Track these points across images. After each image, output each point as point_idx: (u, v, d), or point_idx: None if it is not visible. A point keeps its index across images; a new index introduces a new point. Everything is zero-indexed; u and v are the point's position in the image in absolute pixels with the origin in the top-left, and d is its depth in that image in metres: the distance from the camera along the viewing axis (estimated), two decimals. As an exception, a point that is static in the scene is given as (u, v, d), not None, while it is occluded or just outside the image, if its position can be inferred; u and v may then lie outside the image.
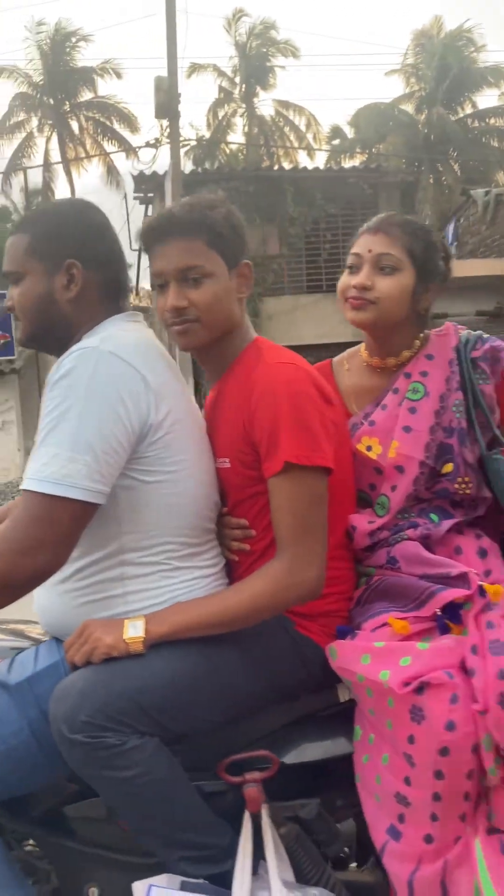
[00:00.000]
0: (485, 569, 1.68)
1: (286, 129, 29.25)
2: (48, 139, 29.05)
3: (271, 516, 1.62)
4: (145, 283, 25.20)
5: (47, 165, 28.61)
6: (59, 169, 28.72)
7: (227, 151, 27.10)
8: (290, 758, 1.71)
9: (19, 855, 1.79)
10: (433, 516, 1.76)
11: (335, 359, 2.00)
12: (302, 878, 1.65)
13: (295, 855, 1.66)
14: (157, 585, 1.63)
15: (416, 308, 1.83)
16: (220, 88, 28.97)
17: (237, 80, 28.85)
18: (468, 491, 1.75)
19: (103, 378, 1.53)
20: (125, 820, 1.58)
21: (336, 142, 28.84)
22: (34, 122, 28.82)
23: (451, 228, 19.20)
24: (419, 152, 24.80)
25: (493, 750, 1.46)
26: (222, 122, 29.16)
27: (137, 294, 29.08)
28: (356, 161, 25.23)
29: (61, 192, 29.59)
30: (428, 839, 1.49)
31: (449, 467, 1.75)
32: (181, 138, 16.59)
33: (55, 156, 28.83)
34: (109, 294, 1.73)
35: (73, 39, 28.32)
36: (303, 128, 29.06)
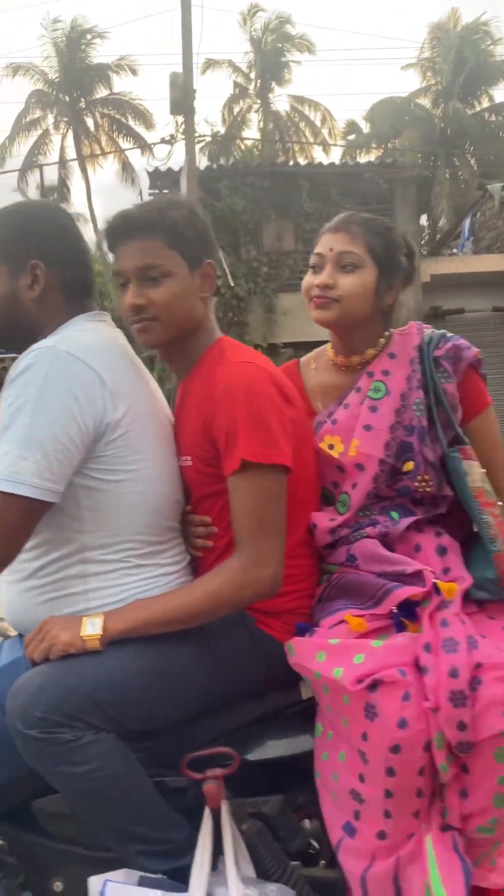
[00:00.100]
0: (443, 566, 1.68)
1: (301, 125, 29.17)
2: (64, 136, 29.17)
3: (231, 514, 1.63)
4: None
5: (63, 162, 28.73)
6: (75, 166, 28.85)
7: (243, 147, 27.12)
8: (254, 755, 1.72)
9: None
10: (394, 514, 1.76)
11: (303, 358, 2.01)
12: (264, 873, 1.66)
13: (257, 851, 1.67)
14: (118, 583, 1.65)
15: (379, 305, 1.83)
16: (236, 84, 28.92)
17: (252, 75, 28.79)
18: (428, 489, 1.75)
19: (57, 377, 1.54)
20: (81, 815, 1.59)
21: (352, 137, 28.74)
22: (50, 119, 28.93)
23: (467, 223, 19.11)
24: (435, 147, 24.63)
25: (445, 747, 1.46)
26: (237, 117, 29.11)
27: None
28: (372, 156, 25.18)
29: (77, 189, 29.71)
30: (381, 836, 1.50)
31: (409, 465, 1.75)
32: (196, 134, 16.60)
33: (70, 153, 28.92)
34: (74, 294, 1.75)
35: (89, 36, 28.39)
36: (318, 123, 28.97)
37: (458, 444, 1.75)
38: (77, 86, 28.25)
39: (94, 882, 1.53)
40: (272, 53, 27.97)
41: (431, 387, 1.77)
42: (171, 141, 16.99)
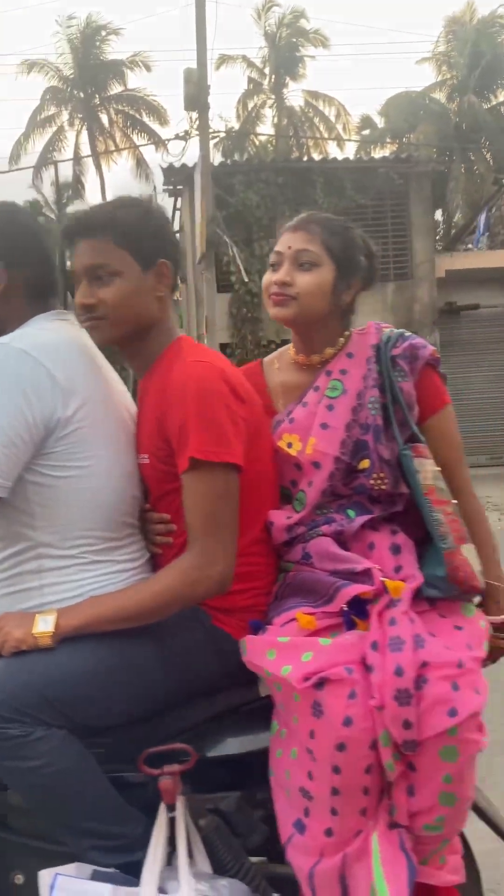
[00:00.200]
0: (396, 564, 1.68)
1: (316, 120, 29.10)
2: (78, 133, 29.27)
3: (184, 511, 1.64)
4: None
5: (77, 159, 28.82)
6: (89, 162, 28.93)
7: (257, 143, 27.08)
8: (213, 751, 1.73)
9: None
10: (350, 512, 1.77)
11: (266, 357, 2.03)
12: (221, 868, 1.67)
13: (214, 846, 1.68)
14: (73, 578, 1.66)
15: (337, 304, 1.84)
16: (250, 79, 28.90)
17: (266, 70, 28.74)
18: (384, 487, 1.75)
19: (8, 374, 1.57)
20: (34, 810, 1.61)
21: (366, 132, 28.60)
22: (65, 115, 29.03)
23: (482, 218, 18.99)
24: (450, 141, 24.47)
25: (391, 746, 1.46)
26: (251, 113, 29.08)
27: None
28: (386, 151, 25.02)
29: (91, 185, 29.77)
30: (329, 833, 1.51)
31: (365, 463, 1.75)
32: (210, 130, 16.60)
33: (85, 149, 29.05)
34: (36, 294, 1.78)
35: (104, 33, 28.43)
36: (332, 118, 28.90)
37: (416, 443, 1.75)
38: (91, 82, 28.33)
39: (45, 875, 1.55)
40: (287, 48, 27.90)
41: (388, 386, 1.77)
42: (185, 137, 16.99)
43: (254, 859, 1.74)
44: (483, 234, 18.94)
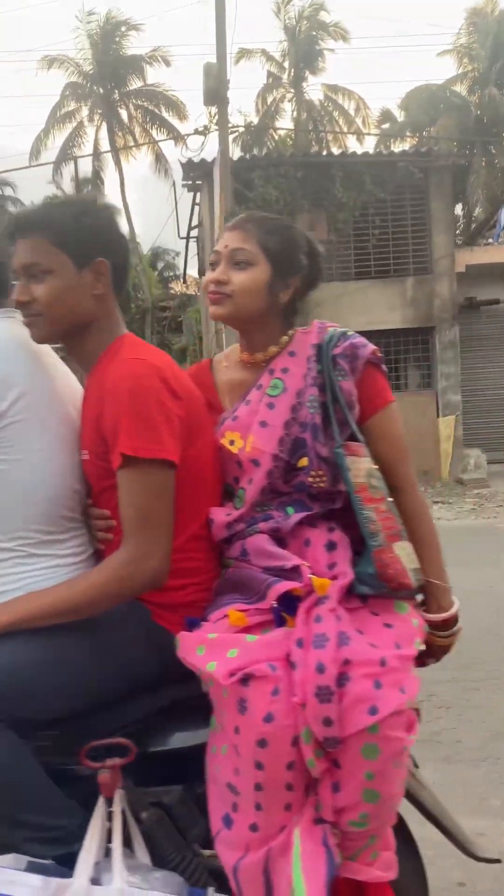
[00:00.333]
0: (330, 561, 1.68)
1: (335, 114, 28.90)
2: (98, 128, 29.27)
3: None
4: (192, 271, 25.43)
5: (97, 154, 28.89)
6: (109, 157, 28.96)
7: (276, 137, 26.96)
8: (156, 745, 1.75)
9: None
10: (289, 509, 1.77)
11: (216, 356, 2.04)
12: (163, 861, 1.69)
13: (155, 839, 1.70)
14: (11, 572, 1.69)
15: (275, 302, 1.84)
16: (269, 73, 28.75)
17: (286, 64, 28.58)
18: (322, 484, 1.75)
19: None
20: None
21: (386, 125, 28.40)
22: (84, 111, 29.07)
23: (502, 213, 18.83)
24: (471, 135, 24.22)
25: (313, 743, 1.47)
26: (271, 107, 28.93)
27: (185, 281, 29.29)
28: (406, 145, 24.89)
29: (111, 180, 29.85)
30: (253, 828, 1.52)
31: (304, 461, 1.76)
32: (230, 125, 16.60)
33: (105, 145, 29.06)
34: None
35: (123, 28, 28.42)
36: (352, 112, 28.68)
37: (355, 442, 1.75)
38: (111, 77, 28.31)
39: (-22, 866, 1.57)
40: (306, 42, 27.69)
41: (329, 384, 1.78)
42: (204, 132, 17.05)
43: (207, 853, 1.77)
44: (503, 228, 18.76)
